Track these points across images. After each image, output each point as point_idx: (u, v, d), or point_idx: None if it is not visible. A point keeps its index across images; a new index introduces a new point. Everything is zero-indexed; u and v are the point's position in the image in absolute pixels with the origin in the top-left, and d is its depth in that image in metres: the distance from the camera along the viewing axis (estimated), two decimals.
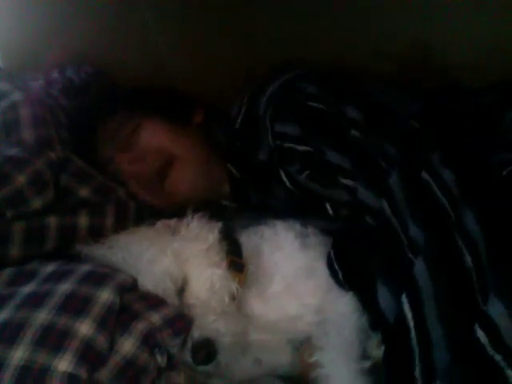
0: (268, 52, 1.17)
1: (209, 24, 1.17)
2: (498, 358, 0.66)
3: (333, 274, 0.89)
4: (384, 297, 0.82)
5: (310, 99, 0.99)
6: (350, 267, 0.89)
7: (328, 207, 1.00)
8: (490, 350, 0.67)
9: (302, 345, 0.91)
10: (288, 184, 1.03)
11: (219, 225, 0.93)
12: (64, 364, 0.69)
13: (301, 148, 0.99)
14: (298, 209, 1.03)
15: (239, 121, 1.14)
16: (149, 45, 1.21)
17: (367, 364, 0.82)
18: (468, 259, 0.75)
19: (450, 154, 0.88)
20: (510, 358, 0.65)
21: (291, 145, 1.00)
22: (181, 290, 0.86)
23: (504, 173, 0.81)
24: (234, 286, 0.88)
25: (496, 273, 0.72)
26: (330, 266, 0.90)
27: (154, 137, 1.11)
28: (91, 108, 1.20)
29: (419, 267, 0.78)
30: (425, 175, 0.86)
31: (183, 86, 1.23)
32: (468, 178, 0.84)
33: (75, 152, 1.07)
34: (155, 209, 1.12)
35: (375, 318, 0.85)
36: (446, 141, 0.90)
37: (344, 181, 0.95)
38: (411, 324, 0.76)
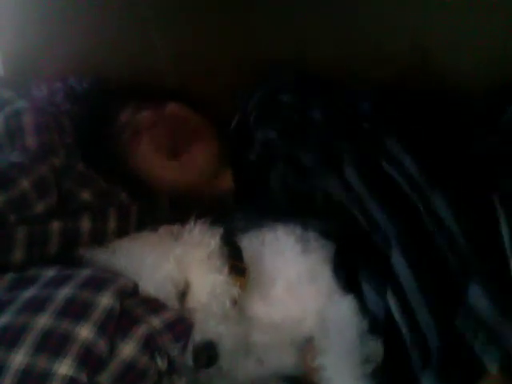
0: (268, 53, 1.18)
1: (209, 26, 1.17)
2: None
3: (337, 276, 0.90)
4: (370, 295, 0.85)
5: (284, 108, 1.08)
6: (353, 270, 0.89)
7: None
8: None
9: (305, 346, 0.91)
10: (275, 187, 1.06)
11: (221, 230, 0.94)
12: (64, 368, 0.70)
13: (279, 150, 1.05)
14: (297, 210, 1.05)
15: (233, 123, 1.18)
16: (149, 48, 1.21)
17: (369, 367, 0.82)
18: (443, 244, 0.78)
19: (409, 141, 0.91)
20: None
21: (272, 148, 1.06)
22: (182, 295, 0.86)
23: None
24: (235, 290, 0.88)
25: (474, 254, 0.76)
26: (334, 268, 0.91)
27: (181, 109, 1.15)
28: (99, 110, 1.22)
29: (396, 261, 0.81)
30: (385, 165, 0.91)
31: (183, 89, 1.23)
32: (431, 163, 0.87)
33: (81, 150, 1.09)
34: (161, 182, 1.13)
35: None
36: (403, 130, 0.95)
37: (316, 181, 1.00)
38: (399, 318, 0.79)
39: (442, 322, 0.75)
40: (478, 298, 0.73)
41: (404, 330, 0.79)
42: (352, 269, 0.89)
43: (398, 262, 0.81)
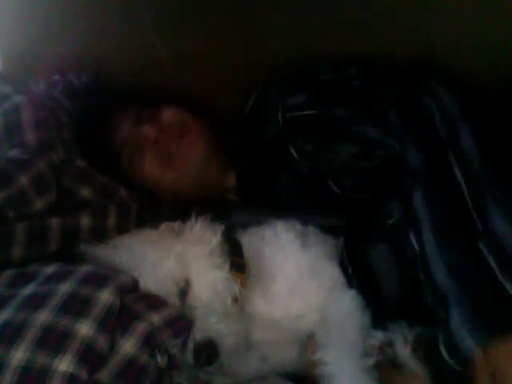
0: (268, 53, 1.17)
1: (208, 26, 1.17)
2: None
3: (343, 269, 0.91)
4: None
5: (321, 74, 1.08)
6: (360, 263, 0.91)
7: (333, 186, 1.04)
8: (499, 276, 0.77)
9: (307, 342, 0.91)
10: (296, 156, 1.06)
11: (222, 227, 0.93)
12: (64, 365, 0.69)
13: (307, 112, 1.05)
14: (302, 199, 1.06)
15: (248, 109, 1.18)
16: (149, 49, 1.20)
17: (371, 361, 0.82)
18: (460, 178, 0.84)
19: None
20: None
21: (299, 113, 1.06)
22: (183, 292, 0.86)
23: None
24: (236, 287, 0.88)
25: (492, 185, 0.82)
26: (341, 261, 0.92)
27: (175, 113, 1.16)
28: (98, 106, 1.22)
29: (416, 198, 0.87)
30: (426, 100, 0.95)
31: (183, 88, 1.23)
32: (466, 99, 0.94)
33: (80, 147, 1.08)
34: (161, 190, 1.14)
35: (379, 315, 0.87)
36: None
37: (356, 129, 1.01)
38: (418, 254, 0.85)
39: (457, 262, 0.81)
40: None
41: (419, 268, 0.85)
42: (361, 263, 0.90)
43: (418, 201, 0.87)
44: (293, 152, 1.06)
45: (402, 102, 0.98)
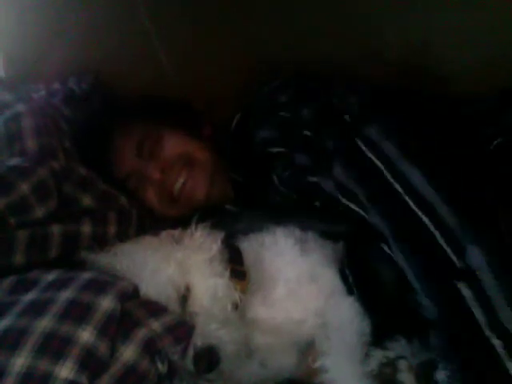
0: (268, 54, 1.19)
1: (209, 31, 1.18)
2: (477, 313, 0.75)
3: (343, 278, 0.91)
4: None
5: (281, 109, 1.09)
6: (361, 273, 0.91)
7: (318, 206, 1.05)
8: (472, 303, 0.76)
9: (307, 348, 0.91)
10: (277, 183, 1.09)
11: (222, 234, 0.94)
12: (65, 371, 0.69)
13: (275, 150, 1.08)
14: (296, 211, 1.07)
15: (233, 124, 1.20)
16: (149, 52, 1.22)
17: (371, 367, 0.82)
18: (429, 223, 0.83)
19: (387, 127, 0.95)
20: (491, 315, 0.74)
21: (270, 149, 1.09)
22: (184, 299, 0.86)
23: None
24: (236, 294, 0.89)
25: (469, 225, 0.81)
26: (341, 270, 0.92)
27: (177, 145, 1.15)
28: (100, 118, 1.23)
29: (394, 251, 0.87)
30: (371, 155, 0.93)
31: (184, 92, 1.24)
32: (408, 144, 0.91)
33: (80, 160, 1.08)
34: (164, 218, 1.15)
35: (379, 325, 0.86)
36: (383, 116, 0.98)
37: (310, 178, 1.03)
38: None
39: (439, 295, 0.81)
40: None
41: None
42: (362, 271, 0.91)
43: (396, 254, 0.87)
44: (274, 179, 1.09)
45: (344, 155, 0.98)
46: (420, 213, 0.84)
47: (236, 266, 0.92)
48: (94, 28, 1.20)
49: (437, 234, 0.82)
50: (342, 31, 1.12)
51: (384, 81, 1.09)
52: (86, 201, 1.02)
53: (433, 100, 1.04)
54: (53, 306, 0.75)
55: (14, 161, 0.97)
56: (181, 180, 1.13)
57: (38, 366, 0.69)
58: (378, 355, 0.83)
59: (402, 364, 0.81)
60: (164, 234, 0.94)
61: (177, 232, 0.94)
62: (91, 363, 0.72)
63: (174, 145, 1.15)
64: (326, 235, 0.98)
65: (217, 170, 1.17)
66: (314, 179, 1.02)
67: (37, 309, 0.75)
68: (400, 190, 0.87)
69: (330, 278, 0.91)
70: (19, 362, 0.69)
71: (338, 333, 0.86)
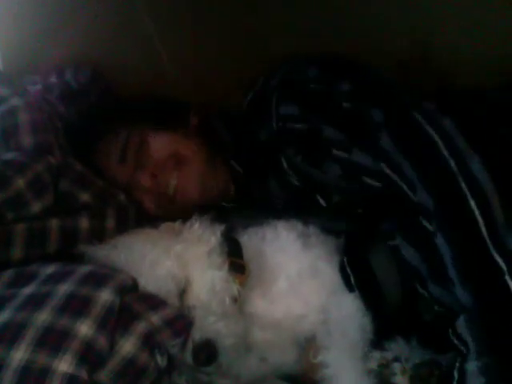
0: (268, 54, 1.18)
1: (208, 27, 1.18)
2: None
3: (344, 277, 0.90)
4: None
5: (311, 82, 1.04)
6: (362, 271, 0.90)
7: (319, 199, 1.03)
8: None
9: (307, 344, 0.91)
10: (285, 166, 1.05)
11: (221, 227, 0.93)
12: (64, 365, 0.69)
13: (298, 126, 1.02)
14: (296, 205, 1.05)
15: (246, 103, 1.16)
16: (148, 47, 1.22)
17: (372, 364, 0.83)
18: (474, 208, 0.79)
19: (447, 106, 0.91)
20: None
21: (291, 124, 1.03)
22: (182, 292, 0.86)
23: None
24: (235, 287, 0.88)
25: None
26: (342, 269, 0.91)
27: (163, 146, 1.12)
28: (88, 123, 1.21)
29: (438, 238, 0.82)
30: (427, 128, 0.88)
31: (183, 88, 1.24)
32: (470, 126, 0.87)
33: (75, 157, 1.08)
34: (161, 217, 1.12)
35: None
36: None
37: (337, 153, 0.98)
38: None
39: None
40: None
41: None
42: (364, 271, 0.90)
43: (440, 241, 0.82)
44: (283, 161, 1.06)
45: (398, 127, 0.93)
46: (469, 195, 0.80)
47: (235, 260, 0.91)
48: (93, 24, 1.20)
49: (480, 221, 0.78)
50: (342, 28, 1.12)
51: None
52: (84, 197, 1.01)
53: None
54: (52, 300, 0.74)
55: (10, 155, 0.96)
56: (173, 182, 1.11)
57: (37, 360, 0.69)
58: (377, 356, 0.84)
59: (397, 367, 0.81)
60: (163, 226, 0.94)
61: (176, 224, 0.94)
62: (90, 356, 0.71)
63: (159, 147, 1.12)
64: (327, 231, 0.98)
65: (210, 161, 1.15)
66: (344, 155, 0.97)
67: (36, 302, 0.74)
68: (454, 168, 0.82)
69: (331, 273, 0.91)
70: (18, 355, 0.68)
71: (339, 328, 0.85)
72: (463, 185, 0.81)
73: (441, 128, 0.87)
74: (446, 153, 0.84)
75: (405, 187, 0.88)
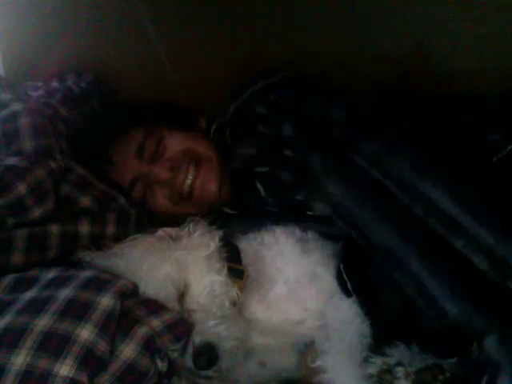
0: (269, 54, 1.19)
1: (209, 29, 1.18)
2: None
3: (341, 284, 0.90)
4: None
5: (259, 122, 1.07)
6: (359, 278, 0.90)
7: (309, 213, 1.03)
8: None
9: (306, 348, 0.92)
10: (263, 193, 1.08)
11: (220, 232, 0.94)
12: (65, 369, 0.70)
13: (259, 170, 1.07)
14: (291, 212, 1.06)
15: (212, 130, 1.19)
16: (149, 50, 1.22)
17: (370, 369, 0.83)
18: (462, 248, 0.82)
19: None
20: None
21: (251, 167, 1.08)
22: (182, 296, 0.87)
23: None
24: (234, 291, 0.89)
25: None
26: (339, 276, 0.91)
27: (179, 142, 1.14)
28: (97, 124, 1.22)
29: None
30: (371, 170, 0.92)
31: (183, 91, 1.24)
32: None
33: (77, 161, 1.08)
34: (175, 219, 1.11)
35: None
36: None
37: (297, 196, 1.01)
38: None
39: None
40: None
41: None
42: (361, 277, 0.90)
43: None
44: (259, 187, 1.08)
45: (338, 173, 0.96)
46: (452, 236, 0.83)
47: (234, 265, 0.92)
48: (93, 27, 1.20)
49: (475, 259, 0.81)
50: (342, 31, 1.12)
51: (384, 80, 1.10)
52: (85, 201, 1.01)
53: (432, 104, 1.03)
54: (52, 304, 0.75)
55: (11, 160, 0.96)
56: (190, 177, 1.12)
57: (38, 364, 0.69)
58: (378, 362, 0.83)
59: (400, 371, 0.81)
60: (160, 232, 0.94)
61: (175, 230, 0.94)
62: (91, 361, 0.72)
63: (176, 143, 1.14)
64: (325, 236, 0.98)
65: (221, 163, 1.16)
66: (301, 198, 1.00)
67: (36, 307, 0.75)
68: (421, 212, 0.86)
69: (330, 278, 0.91)
70: (19, 360, 0.69)
71: (338, 333, 0.86)
72: (438, 226, 0.84)
73: (390, 171, 0.90)
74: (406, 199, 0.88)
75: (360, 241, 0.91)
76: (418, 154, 0.91)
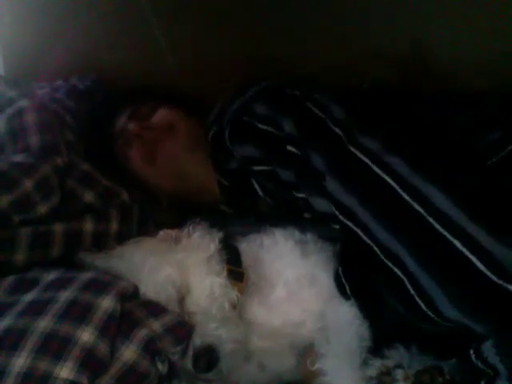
0: (269, 54, 1.18)
1: (209, 21, 1.18)
2: None
3: (340, 288, 0.90)
4: None
5: (260, 121, 1.06)
6: (358, 281, 0.90)
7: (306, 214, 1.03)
8: None
9: (306, 351, 0.92)
10: (260, 193, 1.08)
11: (220, 234, 0.94)
12: (65, 371, 0.70)
13: (257, 168, 1.06)
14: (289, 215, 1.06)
15: (210, 136, 1.18)
16: (152, 49, 1.22)
17: (370, 371, 0.83)
18: (461, 247, 0.79)
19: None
20: None
21: (251, 166, 1.07)
22: (182, 298, 0.87)
23: None
24: (234, 293, 0.89)
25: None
26: (337, 280, 0.91)
27: (167, 115, 1.19)
28: (103, 110, 1.25)
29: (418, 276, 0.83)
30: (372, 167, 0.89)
31: (184, 83, 1.25)
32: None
33: (83, 153, 1.10)
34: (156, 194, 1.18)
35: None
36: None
37: (297, 194, 1.00)
38: None
39: None
40: None
41: None
42: (359, 280, 0.89)
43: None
44: (256, 187, 1.08)
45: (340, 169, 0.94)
46: (449, 236, 0.80)
47: (234, 267, 0.92)
48: (94, 26, 1.20)
49: (473, 258, 0.79)
50: (341, 30, 1.11)
51: (384, 79, 1.09)
52: (88, 197, 1.01)
53: (432, 103, 1.02)
54: (53, 306, 0.75)
55: (18, 157, 0.96)
56: (161, 137, 1.15)
57: (38, 367, 0.70)
58: (377, 364, 0.83)
59: (399, 373, 0.81)
60: (161, 234, 0.95)
61: (175, 232, 0.95)
62: (91, 363, 0.72)
63: (164, 113, 1.19)
64: (324, 238, 0.98)
65: (197, 152, 1.17)
66: (302, 195, 0.99)
67: (37, 309, 0.75)
68: (421, 210, 0.83)
69: (329, 280, 0.91)
70: (19, 362, 0.70)
71: (337, 336, 0.86)
72: (438, 226, 0.81)
73: (390, 168, 0.87)
74: (405, 195, 0.85)
75: (360, 233, 0.89)
76: (417, 152, 0.89)
